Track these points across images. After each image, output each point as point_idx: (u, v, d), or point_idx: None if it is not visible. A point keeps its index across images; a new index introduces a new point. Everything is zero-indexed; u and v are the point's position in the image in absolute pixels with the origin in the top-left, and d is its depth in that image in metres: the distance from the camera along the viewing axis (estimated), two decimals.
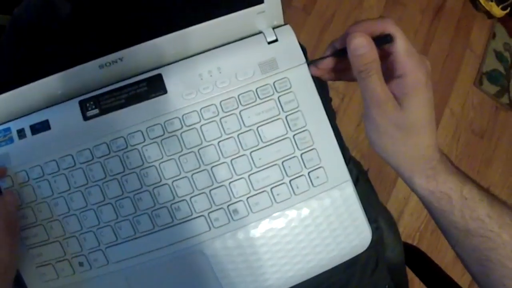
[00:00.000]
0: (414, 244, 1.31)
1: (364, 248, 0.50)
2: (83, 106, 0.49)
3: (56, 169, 0.49)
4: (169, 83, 0.49)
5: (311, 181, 0.49)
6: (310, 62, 0.49)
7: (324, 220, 0.49)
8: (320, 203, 0.49)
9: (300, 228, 0.49)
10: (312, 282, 0.50)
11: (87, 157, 0.49)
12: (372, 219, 0.60)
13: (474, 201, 0.45)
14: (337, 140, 0.59)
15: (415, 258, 0.73)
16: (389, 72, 0.45)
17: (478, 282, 0.49)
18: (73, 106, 0.49)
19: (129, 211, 0.48)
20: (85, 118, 0.49)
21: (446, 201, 0.45)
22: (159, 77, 0.49)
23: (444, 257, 1.31)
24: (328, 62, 0.48)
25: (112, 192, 0.48)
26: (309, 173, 0.49)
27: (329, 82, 0.56)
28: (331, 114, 0.59)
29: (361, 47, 0.43)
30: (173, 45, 0.49)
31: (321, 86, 0.58)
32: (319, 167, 0.49)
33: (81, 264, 0.49)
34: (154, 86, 0.49)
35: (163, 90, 0.49)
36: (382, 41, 0.43)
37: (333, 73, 0.49)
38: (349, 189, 0.49)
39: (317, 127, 0.49)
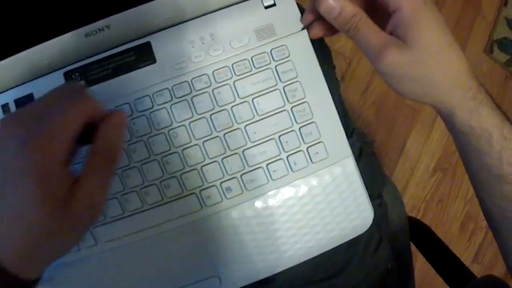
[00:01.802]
0: (419, 215, 1.24)
1: (366, 228, 0.43)
2: (68, 78, 0.42)
3: None
4: (158, 51, 0.41)
5: (310, 157, 0.41)
6: (305, 27, 0.42)
7: (324, 199, 0.42)
8: (319, 180, 0.41)
9: (297, 207, 0.42)
10: (311, 263, 0.43)
11: None
12: (375, 195, 0.53)
13: None
14: (341, 111, 0.51)
15: (420, 233, 0.66)
16: (385, 14, 0.37)
17: (499, 233, 0.43)
18: (58, 78, 0.42)
19: (117, 189, 0.41)
20: None
21: (486, 140, 0.38)
22: (147, 45, 0.41)
23: (449, 229, 1.24)
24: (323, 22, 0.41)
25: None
26: (308, 148, 0.41)
27: (335, 47, 0.48)
28: (334, 84, 0.52)
29: (333, 8, 0.36)
30: (163, 10, 0.41)
31: (324, 53, 0.50)
32: (319, 142, 0.41)
33: None
34: (142, 55, 0.41)
35: (152, 59, 0.41)
36: None
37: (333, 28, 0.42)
38: (351, 166, 0.42)
39: (317, 99, 0.41)
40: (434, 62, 0.36)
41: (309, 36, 0.42)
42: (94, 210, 0.32)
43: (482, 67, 1.35)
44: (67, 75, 0.42)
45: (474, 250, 1.24)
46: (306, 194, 0.42)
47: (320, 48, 0.49)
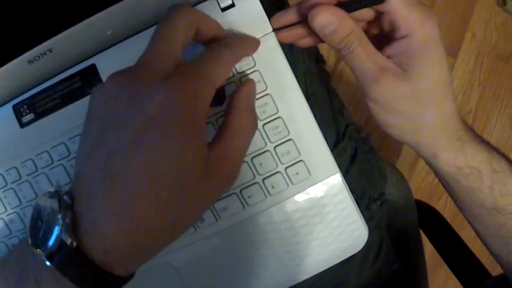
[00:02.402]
0: (435, 182, 1.17)
1: (360, 248, 0.37)
2: (18, 112, 0.37)
3: (3, 183, 0.38)
4: (104, 73, 0.35)
5: (289, 178, 0.35)
6: (275, 29, 0.34)
7: (307, 222, 0.35)
8: (302, 202, 0.35)
9: (279, 232, 0.36)
10: (305, 282, 0.38)
11: (31, 168, 0.37)
12: (376, 196, 0.47)
13: (506, 174, 0.35)
14: (333, 105, 0.45)
15: (429, 219, 0.60)
16: (387, 35, 0.32)
17: (501, 260, 0.41)
18: (8, 113, 0.37)
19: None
20: (21, 125, 0.37)
21: (476, 177, 0.36)
22: (92, 68, 0.35)
23: None
24: (300, 30, 0.34)
25: None
26: (286, 169, 0.35)
27: None
28: (324, 80, 0.45)
29: (328, 24, 0.29)
30: (106, 25, 0.34)
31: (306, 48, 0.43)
32: (298, 161, 0.35)
33: None
34: (89, 80, 0.35)
35: (99, 83, 0.35)
36: (369, 2, 0.29)
37: (311, 37, 0.35)
38: (338, 184, 0.35)
39: (293, 112, 0.35)
40: (431, 100, 0.32)
41: (278, 39, 0.35)
42: (229, 179, 0.29)
43: (496, 21, 1.23)
44: (16, 109, 0.37)
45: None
46: (286, 219, 0.36)
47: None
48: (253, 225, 0.36)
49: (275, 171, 0.35)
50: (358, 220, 0.36)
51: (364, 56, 0.31)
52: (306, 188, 0.35)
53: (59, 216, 0.24)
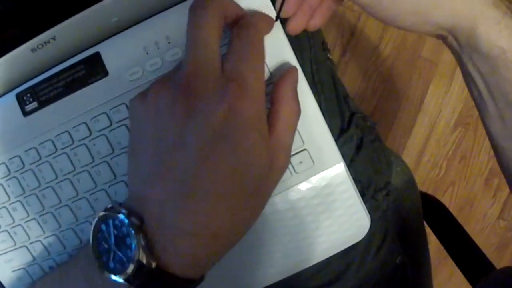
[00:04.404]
0: (441, 173, 1.18)
1: (362, 237, 0.38)
2: (21, 100, 0.38)
3: (7, 172, 0.39)
4: (109, 62, 0.36)
5: (293, 167, 0.36)
6: (278, 17, 0.35)
7: (312, 211, 0.37)
8: (305, 191, 0.36)
9: (282, 221, 0.37)
10: (306, 271, 0.39)
11: (34, 157, 0.38)
12: (381, 185, 0.48)
13: None
14: (339, 93, 0.46)
15: (434, 212, 0.61)
16: None
17: None
18: (11, 101, 0.38)
19: (88, 213, 0.38)
20: (25, 113, 0.38)
21: None
22: (97, 56, 0.36)
23: (473, 186, 1.17)
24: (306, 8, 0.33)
25: (67, 194, 0.38)
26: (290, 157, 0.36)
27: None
28: (328, 69, 0.46)
29: None
30: (111, 12, 0.35)
31: (312, 35, 0.44)
32: (302, 150, 0.36)
33: (51, 268, 0.41)
34: (93, 68, 0.36)
35: (103, 72, 0.36)
36: None
37: (317, 12, 0.35)
38: (342, 173, 0.36)
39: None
40: None
41: (287, 31, 0.35)
42: (285, 168, 0.30)
43: None
44: (19, 97, 0.38)
45: (499, 206, 1.18)
46: (290, 208, 0.37)
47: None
48: None
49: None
50: (361, 209, 0.37)
51: None
52: (310, 177, 0.36)
53: (134, 240, 0.25)
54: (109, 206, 0.27)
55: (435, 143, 1.16)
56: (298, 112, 0.30)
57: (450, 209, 0.61)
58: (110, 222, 0.27)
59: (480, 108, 0.35)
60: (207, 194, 0.25)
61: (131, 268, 0.25)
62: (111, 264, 0.26)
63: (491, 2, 0.30)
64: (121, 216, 0.26)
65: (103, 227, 0.27)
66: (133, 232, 0.25)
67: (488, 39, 0.30)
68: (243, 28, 0.29)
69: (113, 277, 0.26)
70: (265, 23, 0.32)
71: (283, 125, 0.29)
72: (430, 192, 1.15)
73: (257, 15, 0.31)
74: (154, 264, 0.25)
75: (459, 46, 0.32)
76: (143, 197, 0.27)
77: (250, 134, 0.25)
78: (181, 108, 0.25)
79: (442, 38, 0.33)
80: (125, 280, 0.25)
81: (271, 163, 0.27)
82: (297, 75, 0.32)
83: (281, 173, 0.29)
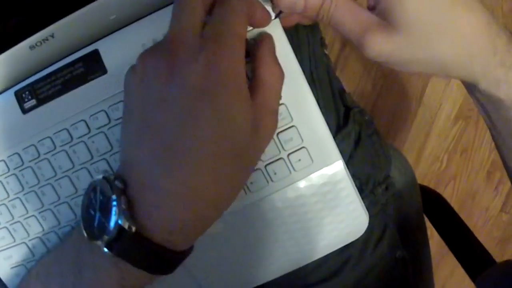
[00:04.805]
0: (442, 167, 1.18)
1: (360, 234, 0.38)
2: (20, 98, 0.38)
3: (6, 170, 0.40)
4: (108, 60, 0.36)
5: (291, 165, 0.36)
6: (278, 15, 0.35)
7: (310, 209, 0.37)
8: (303, 189, 0.37)
9: (281, 219, 0.37)
10: (300, 271, 0.40)
11: (33, 154, 0.38)
12: (380, 180, 0.49)
13: None
14: (334, 89, 0.46)
15: (435, 205, 0.61)
16: None
17: None
18: (10, 99, 0.38)
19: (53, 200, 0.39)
20: (24, 111, 0.38)
21: None
22: (95, 54, 0.36)
23: (474, 179, 1.17)
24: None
25: (66, 191, 0.38)
26: (288, 155, 0.36)
27: None
28: (324, 65, 0.46)
29: (295, 2, 0.30)
30: (109, 10, 0.35)
31: (311, 30, 0.44)
32: (301, 148, 0.36)
33: None
34: (91, 66, 0.36)
35: (102, 70, 0.36)
36: None
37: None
38: (340, 171, 0.36)
39: (297, 99, 0.35)
40: (435, 37, 0.29)
41: (282, 24, 0.35)
42: (273, 131, 0.30)
43: (503, 7, 1.22)
44: (18, 95, 0.38)
45: (501, 199, 1.18)
46: (289, 206, 0.37)
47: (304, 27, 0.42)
48: (255, 211, 0.37)
49: (277, 157, 0.36)
50: (359, 207, 0.38)
51: (345, 18, 0.30)
52: (308, 175, 0.37)
53: (114, 203, 0.25)
54: (100, 174, 0.28)
55: (436, 137, 1.16)
56: (280, 74, 0.31)
57: (452, 203, 0.62)
58: (98, 188, 0.27)
59: (489, 128, 0.37)
60: (189, 152, 0.25)
61: (110, 232, 0.25)
62: (95, 231, 0.26)
63: (494, 64, 0.30)
64: (105, 180, 0.26)
65: (92, 194, 0.27)
66: (114, 195, 0.25)
67: (487, 91, 0.31)
68: None
69: (95, 242, 0.26)
70: None
71: (265, 88, 0.29)
72: (431, 186, 1.15)
73: None
74: (134, 229, 0.25)
75: (463, 84, 0.34)
76: (129, 160, 0.27)
77: (229, 89, 0.26)
78: (163, 69, 0.26)
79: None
80: (106, 247, 0.25)
81: (255, 126, 0.28)
82: (272, 39, 0.32)
83: (267, 137, 0.30)
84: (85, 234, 0.27)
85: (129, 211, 0.25)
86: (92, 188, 0.28)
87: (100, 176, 0.27)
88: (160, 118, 0.26)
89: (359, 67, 1.11)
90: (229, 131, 0.26)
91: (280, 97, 0.32)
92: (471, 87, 0.33)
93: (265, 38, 0.32)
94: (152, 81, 0.27)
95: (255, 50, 0.31)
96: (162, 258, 0.27)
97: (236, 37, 0.28)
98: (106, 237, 0.25)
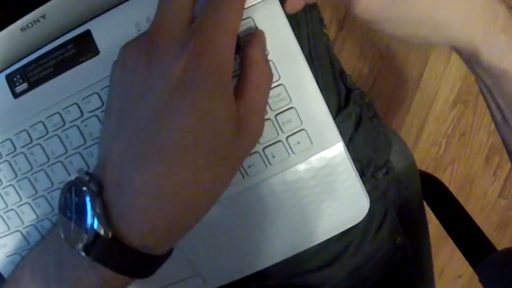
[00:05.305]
0: (441, 151, 1.17)
1: (361, 218, 0.38)
2: (11, 82, 0.37)
3: None
4: (100, 40, 0.35)
5: (290, 147, 0.35)
6: None
7: (310, 192, 0.36)
8: (303, 172, 0.36)
9: (279, 203, 0.37)
10: (300, 257, 0.39)
11: (25, 140, 0.38)
12: (381, 164, 0.48)
13: None
14: (335, 70, 0.45)
15: (434, 191, 0.61)
16: None
17: None
18: (1, 83, 0.37)
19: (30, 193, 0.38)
20: (15, 95, 0.37)
21: None
22: (87, 34, 0.35)
23: (473, 163, 1.17)
24: None
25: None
26: (287, 138, 0.35)
27: None
28: (324, 44, 0.45)
29: None
30: None
31: (309, 10, 0.43)
32: (300, 130, 0.35)
33: None
34: (83, 47, 0.35)
35: (94, 51, 0.35)
36: None
37: None
38: (340, 153, 0.36)
39: (295, 79, 0.35)
40: None
41: (286, 10, 0.34)
42: (258, 134, 0.29)
43: None
44: (9, 79, 0.37)
45: (499, 184, 1.18)
46: (287, 189, 0.37)
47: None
48: (253, 195, 0.37)
49: (275, 140, 0.36)
50: (360, 190, 0.37)
51: None
52: (308, 158, 0.36)
53: (89, 207, 0.24)
54: (76, 173, 0.27)
55: (434, 120, 1.15)
56: (268, 74, 0.30)
57: (451, 188, 0.61)
58: (73, 189, 0.26)
59: (488, 107, 0.36)
60: (165, 150, 0.24)
61: (86, 238, 0.24)
62: (72, 234, 0.25)
63: (496, 28, 0.29)
64: (79, 181, 0.25)
65: (68, 195, 0.26)
66: (88, 198, 0.24)
67: (490, 62, 0.30)
68: None
69: (70, 245, 0.25)
70: None
71: (252, 89, 0.28)
72: (429, 170, 1.16)
73: None
74: (110, 234, 0.24)
75: (463, 57, 0.33)
76: (104, 160, 0.26)
77: (211, 85, 0.25)
78: (143, 61, 0.25)
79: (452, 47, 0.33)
80: (83, 251, 0.24)
81: (240, 126, 0.26)
82: (263, 37, 0.31)
83: (253, 139, 0.29)
84: (63, 237, 0.26)
85: (105, 214, 0.24)
86: (68, 188, 0.27)
87: (75, 176, 0.26)
88: (137, 111, 0.25)
89: (356, 50, 1.10)
90: (209, 127, 0.25)
91: (267, 99, 0.31)
92: (471, 59, 0.31)
93: (256, 35, 0.31)
94: (132, 73, 0.26)
95: (245, 47, 0.30)
96: (139, 263, 0.26)
97: (227, 33, 0.26)
98: (82, 243, 0.24)
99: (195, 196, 0.26)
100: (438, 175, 1.16)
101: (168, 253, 0.28)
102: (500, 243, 1.23)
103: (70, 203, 0.26)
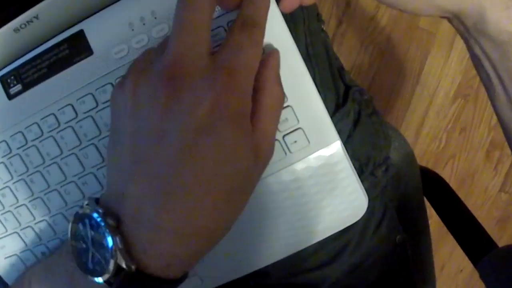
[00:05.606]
0: (441, 146, 1.17)
1: (359, 217, 0.37)
2: (5, 83, 0.37)
3: None
4: (93, 40, 0.35)
5: (287, 146, 0.35)
6: None
7: (307, 192, 0.36)
8: (300, 172, 0.36)
9: (277, 202, 0.36)
10: (298, 256, 0.39)
11: (20, 141, 0.37)
12: (380, 161, 0.48)
13: None
14: (333, 67, 0.45)
15: (434, 187, 0.60)
16: None
17: None
18: None
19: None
20: (9, 97, 0.37)
21: None
22: (80, 34, 0.35)
23: (473, 158, 1.17)
24: None
25: (55, 178, 0.37)
26: (284, 137, 0.35)
27: None
28: (322, 41, 0.44)
29: None
30: None
31: (306, 6, 0.43)
32: (297, 129, 0.35)
33: (43, 253, 0.41)
34: (77, 47, 0.35)
35: (88, 51, 0.35)
36: None
37: None
38: (338, 152, 0.35)
39: (292, 78, 0.34)
40: None
41: (281, 9, 0.33)
42: (270, 157, 0.29)
43: None
44: (3, 80, 0.37)
45: (500, 179, 1.18)
46: (285, 189, 0.36)
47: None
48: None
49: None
50: (358, 189, 0.37)
51: None
52: (305, 157, 0.36)
53: (110, 242, 0.24)
54: (85, 203, 0.26)
55: (434, 115, 1.15)
56: (281, 97, 0.29)
57: (451, 183, 0.61)
58: (87, 221, 0.25)
59: (489, 91, 0.34)
60: (188, 191, 0.24)
61: (109, 271, 0.24)
62: (90, 265, 0.25)
63: None
64: (95, 215, 0.25)
65: (80, 226, 0.26)
66: (109, 234, 0.24)
67: (497, 24, 0.28)
68: (247, 24, 0.27)
69: (93, 278, 0.25)
70: (263, 12, 0.29)
71: (266, 114, 0.28)
72: (430, 165, 1.16)
73: (261, 5, 0.28)
74: (133, 268, 0.24)
75: (465, 29, 0.31)
76: (121, 194, 0.25)
77: (235, 127, 0.24)
78: (162, 99, 0.24)
79: (448, 19, 0.32)
80: (105, 281, 0.25)
81: (255, 155, 0.26)
82: (279, 59, 0.30)
83: (265, 164, 0.28)
84: (79, 269, 0.26)
85: (125, 249, 0.24)
86: (79, 219, 0.26)
87: (85, 206, 0.26)
88: (156, 153, 0.24)
89: (355, 44, 1.09)
90: (231, 166, 0.24)
91: (279, 121, 0.30)
92: (476, 26, 0.29)
93: (271, 57, 0.30)
94: (147, 111, 0.24)
95: (260, 72, 0.28)
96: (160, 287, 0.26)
97: (250, 71, 0.26)
98: (105, 276, 0.24)
99: (215, 230, 0.26)
100: (439, 170, 1.15)
101: (186, 274, 0.28)
102: (502, 237, 1.23)
103: (84, 234, 0.26)
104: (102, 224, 0.24)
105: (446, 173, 1.17)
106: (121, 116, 0.26)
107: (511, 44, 0.29)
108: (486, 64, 0.33)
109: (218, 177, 0.24)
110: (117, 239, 0.24)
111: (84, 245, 0.26)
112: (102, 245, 0.24)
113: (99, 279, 0.25)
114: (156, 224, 0.24)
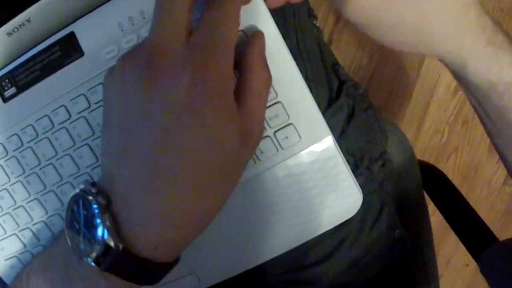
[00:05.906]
0: (443, 139, 1.16)
1: (354, 213, 0.37)
2: (0, 86, 0.37)
3: None
4: (84, 41, 0.35)
5: (278, 143, 0.35)
6: None
7: (300, 188, 0.36)
8: (292, 168, 0.36)
9: (270, 199, 0.37)
10: (293, 253, 0.39)
11: (16, 144, 0.38)
12: (376, 155, 0.47)
13: None
14: (326, 62, 0.45)
15: (434, 182, 0.60)
16: None
17: None
18: None
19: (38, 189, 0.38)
20: (4, 99, 0.37)
21: (510, 96, 0.31)
22: (71, 36, 0.35)
23: (476, 151, 1.15)
24: None
25: (51, 179, 0.38)
26: (275, 133, 0.35)
27: None
28: (314, 36, 0.44)
29: None
30: None
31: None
32: (288, 125, 0.35)
33: None
34: (68, 49, 0.35)
35: (79, 52, 0.35)
36: None
37: None
38: (330, 147, 0.35)
39: (281, 74, 0.34)
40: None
41: (268, 4, 0.34)
42: (258, 142, 0.29)
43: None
44: None
45: (504, 171, 1.16)
46: (277, 185, 0.36)
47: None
48: (242, 193, 0.36)
49: (263, 135, 0.35)
50: (352, 184, 0.37)
51: None
52: (297, 153, 0.36)
53: (99, 220, 0.24)
54: (82, 186, 0.27)
55: (435, 109, 1.14)
56: (268, 79, 0.29)
57: (455, 176, 0.61)
58: (80, 202, 0.26)
59: (480, 118, 0.36)
60: (173, 174, 0.24)
61: (97, 250, 0.24)
62: (82, 246, 0.26)
63: (483, 41, 0.29)
64: (88, 195, 0.25)
65: (75, 207, 0.27)
66: (98, 212, 0.25)
67: (477, 75, 0.30)
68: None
69: (84, 259, 0.26)
70: None
71: (253, 96, 0.28)
72: (433, 159, 1.15)
73: None
74: (120, 247, 0.25)
75: (451, 71, 0.33)
76: (112, 176, 0.26)
77: (217, 105, 0.24)
78: (144, 81, 0.25)
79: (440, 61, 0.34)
80: (94, 262, 0.25)
81: (243, 137, 0.26)
82: (264, 41, 0.30)
83: (254, 148, 0.29)
84: (73, 251, 0.27)
85: (115, 228, 0.25)
86: (74, 200, 0.27)
87: (82, 189, 0.27)
88: (142, 135, 0.25)
89: (354, 41, 1.08)
90: (216, 146, 0.25)
91: (266, 103, 0.30)
92: (460, 73, 0.32)
93: (255, 38, 0.30)
94: (132, 94, 0.25)
95: (244, 51, 0.29)
96: (149, 271, 0.26)
97: (226, 46, 0.26)
98: (93, 254, 0.25)
99: (203, 212, 0.26)
100: (442, 163, 1.15)
101: (177, 260, 0.29)
102: (507, 230, 1.22)
103: (78, 215, 0.26)
104: (93, 203, 0.25)
105: (449, 167, 1.16)
106: (110, 99, 0.27)
107: (492, 90, 0.31)
108: (473, 101, 0.35)
109: (203, 160, 0.24)
110: (106, 216, 0.25)
111: (77, 226, 0.26)
112: (92, 224, 0.25)
113: (90, 261, 0.25)
114: (144, 206, 0.25)
